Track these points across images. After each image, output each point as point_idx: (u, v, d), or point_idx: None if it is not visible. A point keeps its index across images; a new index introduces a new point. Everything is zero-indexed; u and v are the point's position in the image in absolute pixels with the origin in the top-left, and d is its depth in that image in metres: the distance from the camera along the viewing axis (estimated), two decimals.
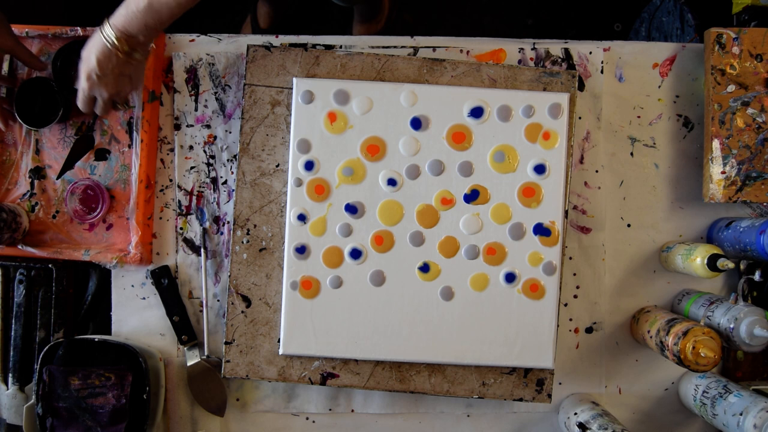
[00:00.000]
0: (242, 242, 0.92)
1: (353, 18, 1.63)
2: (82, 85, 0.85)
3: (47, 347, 0.93)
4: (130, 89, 0.89)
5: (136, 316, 0.98)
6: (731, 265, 0.85)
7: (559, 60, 0.99)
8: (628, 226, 1.00)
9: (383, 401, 0.98)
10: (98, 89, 0.86)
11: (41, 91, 0.95)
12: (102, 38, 0.80)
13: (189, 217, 0.98)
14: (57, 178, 0.98)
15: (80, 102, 0.88)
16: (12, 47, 0.90)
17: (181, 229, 0.98)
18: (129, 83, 0.87)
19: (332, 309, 0.91)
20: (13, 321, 0.97)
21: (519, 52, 0.99)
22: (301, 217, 0.91)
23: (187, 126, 0.98)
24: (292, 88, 0.92)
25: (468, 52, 0.98)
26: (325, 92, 0.91)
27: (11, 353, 0.97)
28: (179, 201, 0.98)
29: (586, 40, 1.00)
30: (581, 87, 0.98)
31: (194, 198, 0.98)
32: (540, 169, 0.91)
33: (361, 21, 1.62)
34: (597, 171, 0.99)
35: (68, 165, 0.97)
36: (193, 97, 0.98)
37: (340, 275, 0.91)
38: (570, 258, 0.98)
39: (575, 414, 0.93)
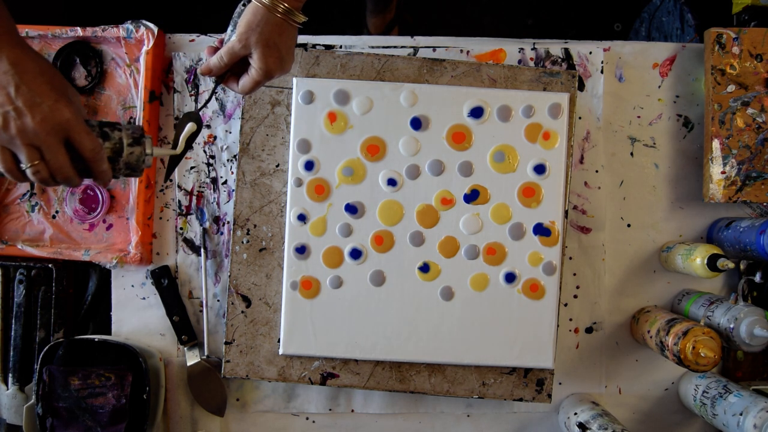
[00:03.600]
0: (242, 242, 0.92)
1: (365, 10, 1.64)
2: (263, 67, 0.73)
3: (47, 347, 0.93)
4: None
5: (136, 316, 0.98)
6: (731, 265, 0.85)
7: (559, 60, 0.99)
8: (628, 226, 1.00)
9: (383, 401, 0.98)
10: (284, 65, 0.75)
11: None
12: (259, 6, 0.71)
13: (189, 217, 0.98)
14: (166, 179, 0.89)
15: (248, 89, 0.76)
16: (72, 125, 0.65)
17: (181, 229, 0.98)
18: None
19: (332, 309, 0.91)
20: (13, 321, 0.97)
21: (519, 52, 0.99)
22: (301, 217, 0.91)
23: None
24: (292, 88, 0.92)
25: (468, 52, 0.98)
26: (325, 92, 0.91)
27: (11, 353, 0.97)
28: (179, 201, 0.98)
29: (586, 40, 1.00)
30: (581, 87, 0.98)
31: (194, 198, 0.98)
32: (540, 169, 0.91)
33: (373, 11, 1.62)
34: (597, 171, 0.99)
35: (175, 160, 0.78)
36: (193, 97, 0.98)
37: (340, 275, 0.91)
38: (570, 258, 0.98)
39: (575, 414, 0.93)
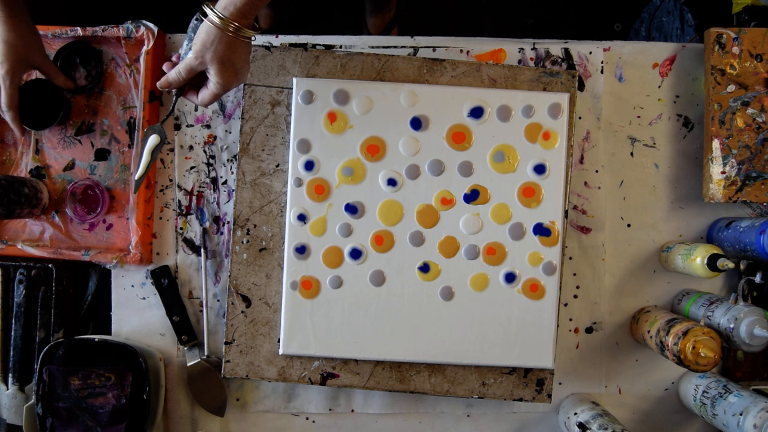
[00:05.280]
0: (242, 242, 0.92)
1: (365, 10, 1.63)
2: (220, 81, 0.79)
3: (47, 347, 0.93)
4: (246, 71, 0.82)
5: (136, 316, 0.98)
6: (731, 265, 0.85)
7: (559, 60, 0.99)
8: (628, 226, 1.00)
9: (383, 401, 0.98)
10: (238, 80, 0.80)
11: (42, 92, 0.95)
12: (211, 26, 0.76)
13: (189, 217, 0.98)
14: (134, 191, 0.88)
15: (207, 102, 0.82)
16: (40, 63, 0.91)
17: (181, 229, 0.98)
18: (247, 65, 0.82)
19: (332, 309, 0.91)
20: (13, 321, 0.97)
21: (519, 52, 0.99)
22: (301, 217, 0.91)
23: (187, 126, 0.98)
24: (292, 88, 0.92)
25: (468, 52, 0.98)
26: (325, 92, 0.91)
27: (11, 353, 0.97)
28: (179, 201, 0.98)
29: (586, 40, 1.00)
30: (581, 87, 0.98)
31: (194, 198, 0.98)
32: (540, 169, 0.91)
33: (372, 11, 1.62)
34: (597, 171, 0.99)
35: (142, 174, 0.85)
36: None
37: (340, 275, 0.91)
38: (570, 258, 0.98)
39: (575, 414, 0.93)
